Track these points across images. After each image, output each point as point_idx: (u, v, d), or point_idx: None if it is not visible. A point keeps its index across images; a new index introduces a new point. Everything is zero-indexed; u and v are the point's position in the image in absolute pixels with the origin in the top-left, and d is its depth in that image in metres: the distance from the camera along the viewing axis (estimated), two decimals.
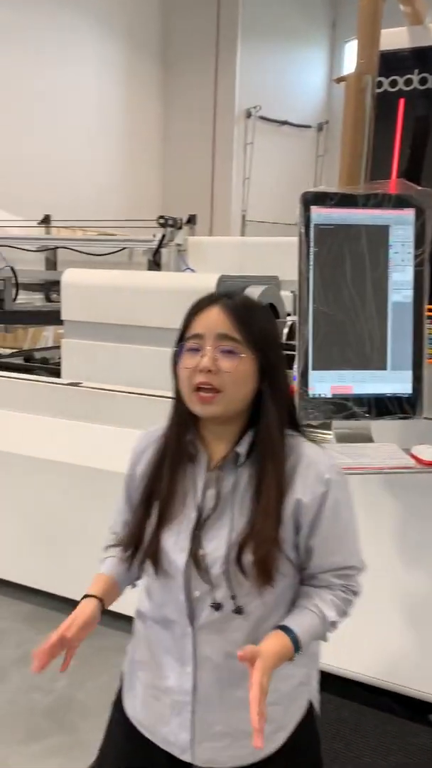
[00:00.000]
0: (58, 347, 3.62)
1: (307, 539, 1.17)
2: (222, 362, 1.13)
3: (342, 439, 2.07)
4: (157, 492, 1.20)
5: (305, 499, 1.15)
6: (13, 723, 2.34)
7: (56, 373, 3.39)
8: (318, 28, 12.36)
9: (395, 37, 2.37)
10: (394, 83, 2.38)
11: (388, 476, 2.29)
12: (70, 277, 3.14)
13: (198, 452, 1.20)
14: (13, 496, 3.08)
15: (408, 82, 2.36)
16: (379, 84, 2.34)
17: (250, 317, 1.17)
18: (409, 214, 1.98)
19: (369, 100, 2.18)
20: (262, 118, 11.68)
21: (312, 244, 1.95)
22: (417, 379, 1.99)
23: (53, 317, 4.09)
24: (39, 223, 5.32)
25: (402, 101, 2.37)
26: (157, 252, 4.18)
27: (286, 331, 3.00)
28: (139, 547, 1.21)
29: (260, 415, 1.17)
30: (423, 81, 2.34)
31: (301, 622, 1.16)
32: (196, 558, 1.16)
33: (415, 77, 2.35)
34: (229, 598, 1.15)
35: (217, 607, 1.15)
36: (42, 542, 3.00)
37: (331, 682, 2.48)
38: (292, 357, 2.92)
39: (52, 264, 4.86)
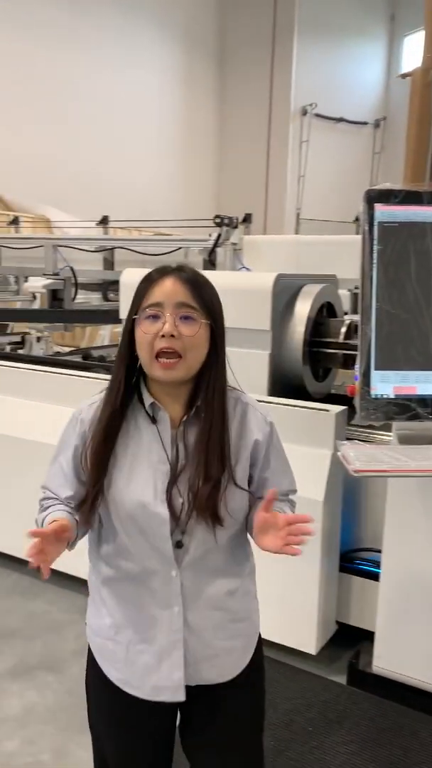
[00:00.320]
0: (115, 345, 3.68)
1: (261, 472, 1.37)
2: (182, 328, 1.25)
3: (405, 440, 2.02)
4: (108, 452, 1.30)
5: (260, 437, 1.36)
6: (72, 713, 2.38)
7: None
8: (376, 22, 12.15)
9: None
10: None
11: None
12: (129, 276, 3.18)
13: (160, 413, 1.31)
14: None
15: None
16: None
17: (203, 288, 1.30)
18: None
19: None
20: (318, 115, 11.56)
21: (375, 242, 1.91)
22: None
23: (111, 316, 4.16)
24: (97, 224, 5.40)
25: None
26: (212, 251, 4.20)
27: (344, 330, 2.96)
28: (92, 510, 1.29)
29: (208, 376, 1.30)
30: None
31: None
32: (173, 507, 1.28)
33: None
34: (203, 537, 1.30)
35: (196, 546, 1.30)
36: None
37: (389, 689, 2.45)
38: (352, 356, 2.88)
39: (109, 264, 4.94)
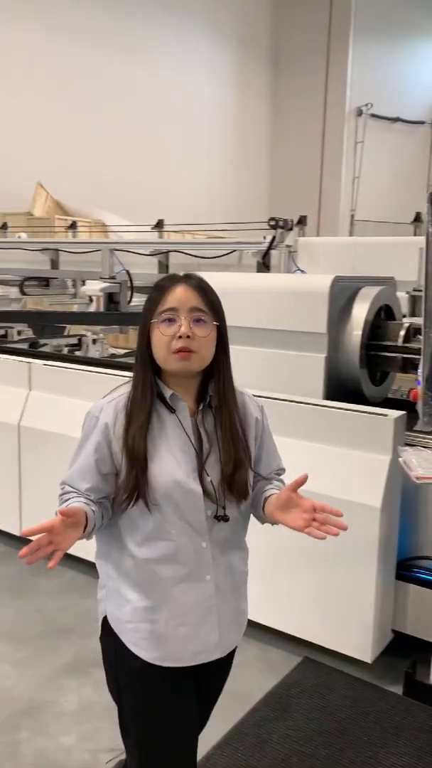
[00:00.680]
0: None
1: (258, 450, 1.57)
2: (196, 329, 1.42)
3: None
4: (146, 441, 1.43)
5: (258, 416, 1.57)
6: None
7: None
8: None
9: None
10: None
11: None
12: None
13: (180, 403, 1.47)
14: None
15: None
16: None
17: (210, 294, 1.48)
18: None
19: None
20: (374, 115, 11.40)
21: None
22: None
23: None
24: (152, 228, 5.46)
25: None
26: (266, 254, 4.19)
27: (402, 333, 2.90)
28: (138, 490, 1.41)
29: (219, 369, 1.49)
30: None
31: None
32: (203, 485, 1.45)
33: None
34: (230, 511, 1.48)
35: (224, 518, 1.47)
36: None
37: None
38: (410, 360, 2.82)
39: (164, 267, 4.98)
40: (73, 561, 3.32)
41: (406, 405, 2.81)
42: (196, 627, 1.48)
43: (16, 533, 3.67)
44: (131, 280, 4.35)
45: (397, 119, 11.69)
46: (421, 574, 2.65)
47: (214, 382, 1.49)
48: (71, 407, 3.50)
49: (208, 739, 2.28)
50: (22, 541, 3.68)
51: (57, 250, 5.29)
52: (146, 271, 4.90)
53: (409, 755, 2.20)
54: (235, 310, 3.16)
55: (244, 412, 1.54)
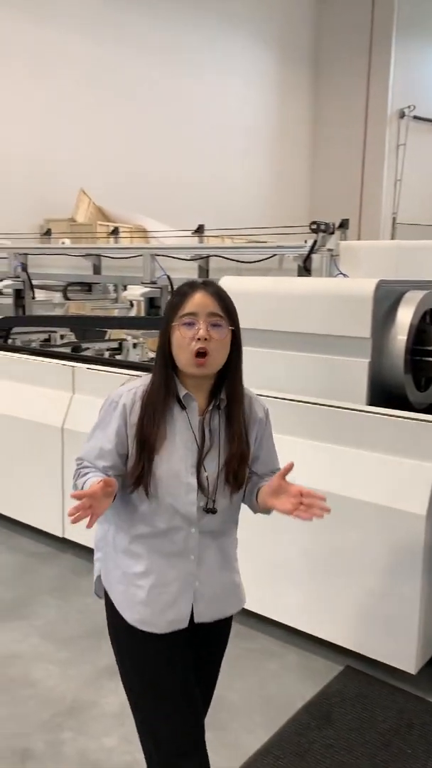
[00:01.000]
0: None
1: (257, 450, 1.68)
2: (213, 333, 1.53)
3: None
4: (157, 435, 1.56)
5: (262, 416, 1.68)
6: None
7: None
8: None
9: None
10: None
11: None
12: (228, 284, 3.19)
13: (192, 402, 1.59)
14: None
15: None
16: None
17: (226, 300, 1.58)
18: None
19: None
20: (416, 117, 11.24)
21: None
22: None
23: None
24: (193, 233, 5.49)
25: None
26: (308, 258, 4.16)
27: None
28: (142, 478, 1.56)
29: (232, 371, 1.60)
30: None
31: None
32: (200, 479, 1.58)
33: None
34: (221, 502, 1.61)
35: (212, 511, 1.60)
36: None
37: None
38: None
39: (204, 272, 5.00)
40: None
41: None
42: (174, 597, 1.62)
43: (59, 534, 3.73)
44: (172, 285, 4.37)
45: None
46: None
47: (227, 382, 1.60)
48: None
49: (248, 747, 2.28)
50: (65, 543, 3.73)
51: (99, 255, 5.36)
52: (187, 275, 4.92)
53: None
54: (277, 314, 3.17)
55: (248, 412, 1.66)
